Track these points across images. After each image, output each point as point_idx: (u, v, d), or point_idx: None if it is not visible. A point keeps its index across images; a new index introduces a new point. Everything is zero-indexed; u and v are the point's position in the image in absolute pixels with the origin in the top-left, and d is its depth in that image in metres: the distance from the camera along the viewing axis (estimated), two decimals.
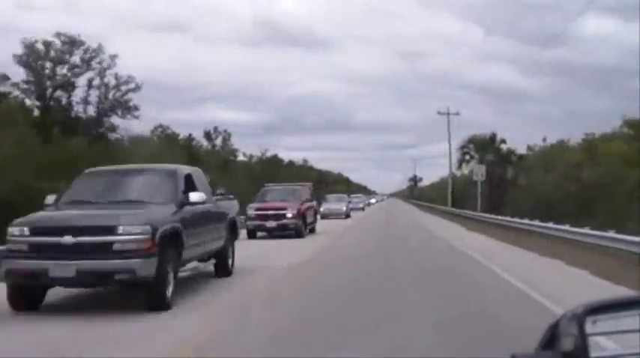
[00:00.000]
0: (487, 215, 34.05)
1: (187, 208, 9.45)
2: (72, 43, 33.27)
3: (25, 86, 32.78)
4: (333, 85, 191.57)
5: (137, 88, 35.24)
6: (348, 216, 40.60)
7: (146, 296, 8.33)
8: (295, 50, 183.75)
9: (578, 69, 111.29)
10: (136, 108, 35.79)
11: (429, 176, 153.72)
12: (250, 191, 29.39)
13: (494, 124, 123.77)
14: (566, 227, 19.71)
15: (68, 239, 8.06)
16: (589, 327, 1.21)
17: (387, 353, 6.18)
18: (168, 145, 44.53)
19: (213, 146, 59.48)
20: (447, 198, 56.29)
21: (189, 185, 10.02)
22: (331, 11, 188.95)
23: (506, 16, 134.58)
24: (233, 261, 12.00)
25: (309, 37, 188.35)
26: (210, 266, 11.49)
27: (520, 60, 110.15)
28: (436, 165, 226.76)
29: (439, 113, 56.53)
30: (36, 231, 8.34)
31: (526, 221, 25.08)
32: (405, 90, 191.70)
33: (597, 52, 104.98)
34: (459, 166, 56.60)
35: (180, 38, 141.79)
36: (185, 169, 10.88)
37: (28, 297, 8.50)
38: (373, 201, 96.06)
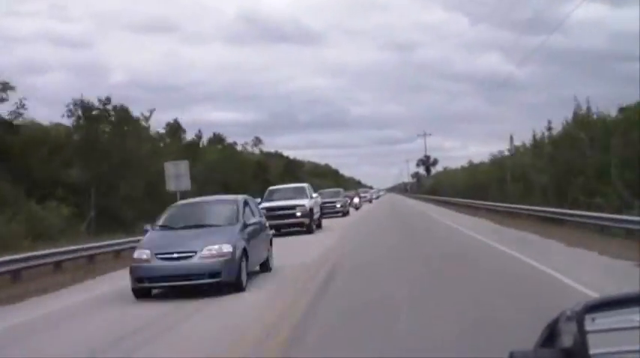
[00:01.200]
0: None
1: None
2: None
3: None
4: (324, 80, 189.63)
5: None
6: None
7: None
8: (283, 46, 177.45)
9: (567, 55, 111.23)
10: None
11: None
12: None
13: (488, 113, 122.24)
14: None
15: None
16: (588, 325, 1.22)
17: None
18: None
19: None
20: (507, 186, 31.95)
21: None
22: (316, 5, 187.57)
23: (493, 3, 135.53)
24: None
25: (296, 32, 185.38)
26: None
27: (510, 48, 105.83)
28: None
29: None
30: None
31: None
32: (397, 84, 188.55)
33: (585, 38, 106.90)
34: None
35: (167, 38, 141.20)
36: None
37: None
38: (356, 200, 51.24)
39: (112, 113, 30.85)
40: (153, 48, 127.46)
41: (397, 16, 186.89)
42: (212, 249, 10.96)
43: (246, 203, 13.35)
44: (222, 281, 10.85)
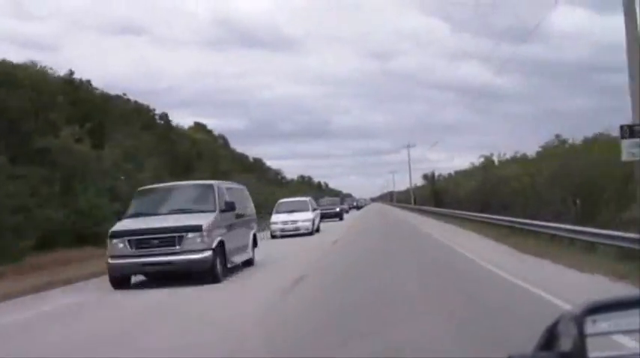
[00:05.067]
0: None
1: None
2: None
3: None
4: (304, 88, 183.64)
5: None
6: None
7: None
8: (261, 52, 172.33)
9: (551, 65, 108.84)
10: None
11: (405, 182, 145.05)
12: None
13: (473, 124, 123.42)
14: None
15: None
16: (588, 327, 1.21)
17: None
18: None
19: None
20: None
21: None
22: (294, 11, 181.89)
23: (475, 12, 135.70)
24: None
25: (274, 38, 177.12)
26: None
27: (492, 57, 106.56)
28: (414, 170, 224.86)
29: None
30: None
31: None
32: (380, 93, 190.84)
33: (569, 48, 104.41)
34: None
35: (139, 41, 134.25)
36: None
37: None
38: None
39: None
40: (125, 51, 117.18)
41: (377, 24, 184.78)
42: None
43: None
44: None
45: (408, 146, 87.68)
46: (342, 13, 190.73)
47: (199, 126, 57.57)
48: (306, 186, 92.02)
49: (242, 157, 66.04)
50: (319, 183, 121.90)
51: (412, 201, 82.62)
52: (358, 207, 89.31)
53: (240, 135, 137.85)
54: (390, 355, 6.29)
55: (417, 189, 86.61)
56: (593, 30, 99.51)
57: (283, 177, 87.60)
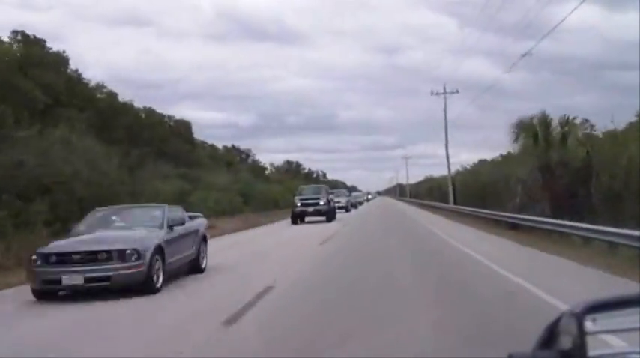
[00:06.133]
0: None
1: None
2: None
3: None
4: (311, 82, 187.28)
5: None
6: None
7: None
8: (268, 45, 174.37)
9: (559, 62, 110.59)
10: None
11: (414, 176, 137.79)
12: None
13: (479, 120, 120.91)
14: None
15: None
16: (588, 326, 1.22)
17: None
18: None
19: None
20: None
21: None
22: (300, 4, 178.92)
23: (482, 8, 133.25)
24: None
25: (280, 31, 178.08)
26: None
27: (498, 54, 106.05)
28: (422, 165, 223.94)
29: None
30: None
31: None
32: (385, 87, 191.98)
33: (578, 44, 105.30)
34: None
35: (144, 33, 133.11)
36: None
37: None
38: None
39: None
40: (130, 43, 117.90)
41: (384, 18, 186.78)
42: None
43: None
44: None
45: (444, 94, 50.29)
46: (349, 7, 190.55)
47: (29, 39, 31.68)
48: (290, 174, 73.77)
49: (149, 112, 42.26)
50: (309, 171, 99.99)
51: (450, 197, 47.21)
52: (324, 213, 35.85)
53: (246, 128, 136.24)
54: None
55: (443, 177, 54.42)
56: (603, 28, 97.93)
57: (256, 160, 67.55)
